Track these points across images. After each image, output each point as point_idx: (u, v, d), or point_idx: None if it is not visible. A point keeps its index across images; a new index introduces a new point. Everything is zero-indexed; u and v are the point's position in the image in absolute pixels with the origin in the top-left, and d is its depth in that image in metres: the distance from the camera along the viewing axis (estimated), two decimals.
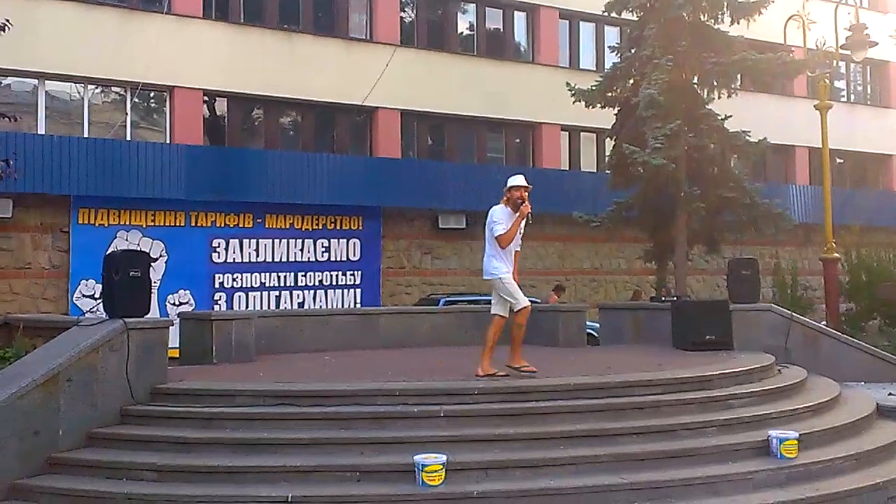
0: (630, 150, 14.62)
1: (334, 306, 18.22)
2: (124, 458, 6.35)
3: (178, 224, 17.03)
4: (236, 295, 17.55)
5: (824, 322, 13.42)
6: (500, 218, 7.66)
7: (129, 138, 17.18)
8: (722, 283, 14.55)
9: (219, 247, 17.46)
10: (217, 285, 17.38)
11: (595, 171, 21.60)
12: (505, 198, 7.74)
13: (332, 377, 7.93)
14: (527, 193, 7.68)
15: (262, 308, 17.31)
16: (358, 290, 18.81)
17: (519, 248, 7.86)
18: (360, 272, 18.89)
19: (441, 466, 5.83)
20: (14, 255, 15.73)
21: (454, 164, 20.27)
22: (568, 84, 16.51)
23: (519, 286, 7.74)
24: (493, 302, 7.85)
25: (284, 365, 9.16)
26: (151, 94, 17.87)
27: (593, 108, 16.50)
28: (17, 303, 15.42)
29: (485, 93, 20.28)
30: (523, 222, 7.71)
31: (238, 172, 17.20)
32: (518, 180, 7.76)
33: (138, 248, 15.42)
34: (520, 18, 21.97)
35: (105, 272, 7.48)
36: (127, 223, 16.56)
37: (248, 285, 17.68)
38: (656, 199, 15.51)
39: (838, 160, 25.22)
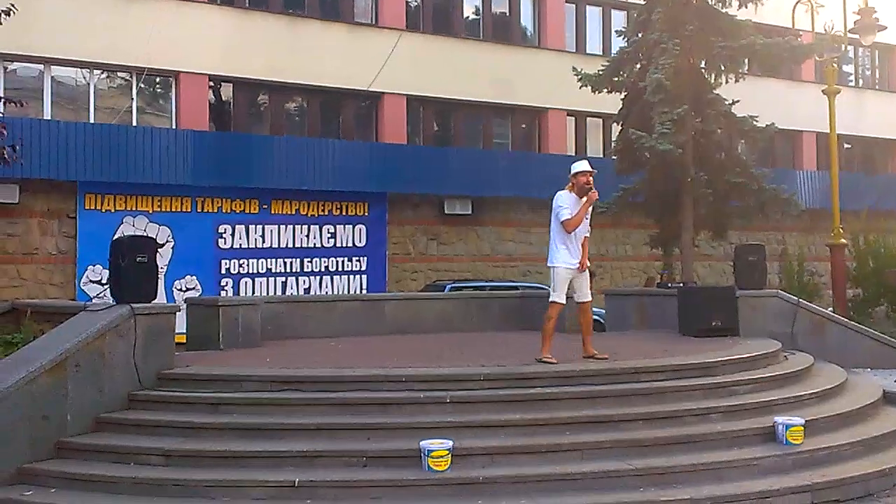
0: (637, 135, 14.55)
1: (340, 292, 18.25)
2: (132, 443, 6.39)
3: (184, 210, 17.05)
4: (242, 281, 17.59)
5: (831, 308, 13.39)
6: (566, 203, 7.68)
7: (134, 124, 17.16)
8: (728, 269, 14.50)
9: (225, 232, 17.48)
10: (223, 271, 17.41)
11: (601, 156, 21.50)
12: (570, 184, 7.75)
13: (339, 363, 7.95)
14: (592, 178, 7.67)
15: (268, 294, 17.33)
16: (364, 276, 18.83)
17: (588, 234, 7.90)
18: (365, 258, 18.90)
19: (447, 452, 5.85)
20: (21, 240, 15.77)
21: (460, 150, 20.21)
22: (574, 69, 16.42)
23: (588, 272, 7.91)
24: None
25: (291, 351, 9.18)
26: (157, 80, 17.84)
27: (600, 92, 16.42)
28: (24, 288, 15.48)
29: (491, 78, 20.20)
30: (590, 207, 7.77)
31: (244, 158, 17.18)
32: (583, 166, 7.77)
33: (145, 234, 15.45)
34: (526, 3, 21.84)
35: (112, 258, 7.50)
36: (133, 209, 16.58)
37: (255, 271, 17.70)
38: (663, 185, 15.46)
39: (846, 145, 25.10)
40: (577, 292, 7.86)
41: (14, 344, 8.26)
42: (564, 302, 7.79)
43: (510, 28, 21.73)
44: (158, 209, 16.81)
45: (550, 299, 7.77)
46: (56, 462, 6.33)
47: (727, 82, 15.58)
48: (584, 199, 7.67)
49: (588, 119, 21.98)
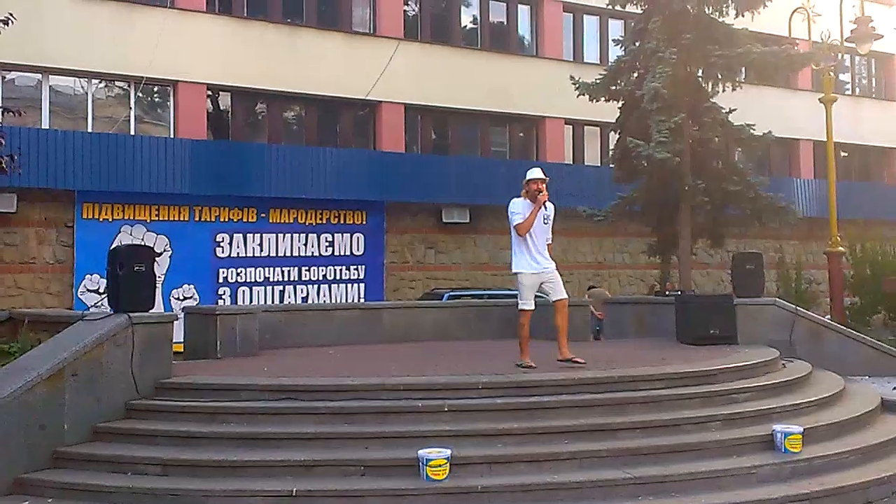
0: (634, 143, 14.58)
1: (338, 301, 18.24)
2: (129, 453, 6.37)
3: (182, 219, 17.05)
4: (240, 289, 17.58)
5: (829, 316, 13.40)
6: (517, 209, 8.03)
7: (132, 133, 17.18)
8: (726, 277, 14.56)
9: (223, 241, 17.48)
10: (221, 280, 17.40)
11: (599, 164, 21.56)
12: (524, 190, 8.05)
13: (337, 372, 7.94)
14: (544, 185, 7.96)
15: (266, 302, 17.33)
16: (362, 285, 18.82)
17: (550, 241, 8.12)
18: (363, 267, 18.90)
19: (445, 461, 5.83)
20: (19, 249, 15.77)
21: (458, 159, 20.24)
22: (572, 77, 16.45)
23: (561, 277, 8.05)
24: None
25: (288, 359, 9.17)
26: (155, 89, 17.86)
27: (597, 101, 16.44)
28: (21, 297, 15.46)
29: (488, 87, 20.25)
30: (551, 215, 8.04)
31: (242, 167, 17.20)
32: (534, 173, 8.07)
33: (142, 243, 15.44)
34: (523, 12, 21.92)
35: (109, 267, 7.49)
36: (131, 218, 16.59)
37: (252, 280, 17.70)
38: (660, 193, 15.48)
39: (843, 153, 25.15)
40: (550, 293, 7.98)
41: (11, 353, 8.24)
42: (532, 308, 7.98)
43: (508, 37, 21.79)
44: (156, 218, 16.82)
45: (518, 307, 8.01)
46: (53, 472, 6.30)
47: (724, 91, 15.61)
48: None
49: (586, 127, 22.03)
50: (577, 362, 7.76)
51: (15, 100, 15.16)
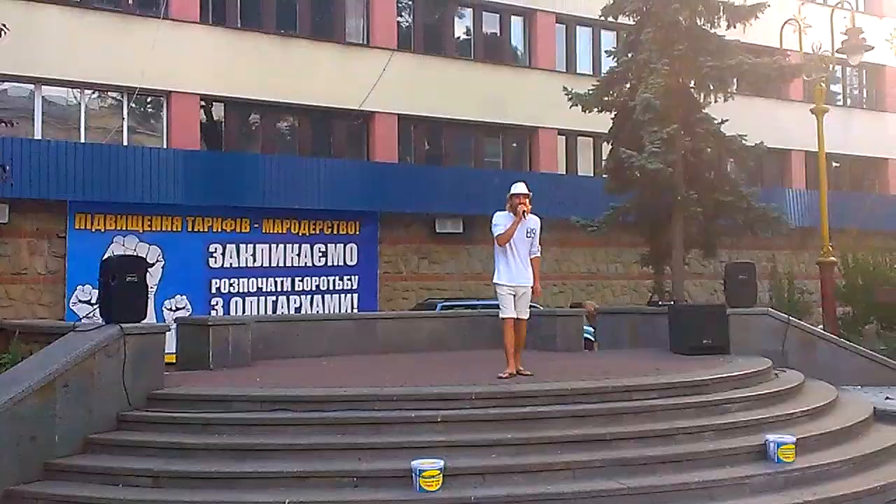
0: (627, 154, 14.62)
1: (331, 311, 18.20)
2: (121, 464, 6.35)
3: (174, 229, 17.01)
4: (233, 300, 17.52)
5: (821, 326, 13.43)
6: (498, 221, 8.25)
7: (125, 143, 17.15)
8: (719, 287, 14.55)
9: (216, 252, 17.43)
10: (214, 290, 17.35)
11: (592, 175, 21.58)
12: (508, 205, 8.25)
13: (330, 382, 7.92)
14: (526, 199, 8.15)
15: (259, 313, 17.28)
16: (355, 295, 18.79)
17: (538, 255, 8.32)
18: (357, 277, 18.87)
19: (438, 472, 5.82)
20: (10, 260, 15.69)
21: (451, 169, 20.26)
22: (565, 88, 16.50)
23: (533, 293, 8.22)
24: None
25: (281, 370, 9.14)
26: (148, 99, 17.85)
27: (590, 112, 16.48)
28: (13, 308, 15.38)
29: (482, 97, 20.29)
30: (536, 228, 8.25)
31: (235, 177, 17.17)
32: (517, 188, 8.28)
33: (135, 254, 15.39)
34: (516, 23, 22.00)
35: (102, 277, 7.47)
36: (123, 228, 16.53)
37: (245, 290, 17.65)
38: (653, 204, 15.51)
39: (834, 164, 25.25)
40: (517, 309, 8.18)
41: (2, 364, 8.21)
42: (514, 316, 8.15)
43: (501, 48, 21.87)
44: (149, 229, 16.77)
45: (500, 316, 8.21)
46: (44, 484, 6.27)
47: (716, 101, 15.67)
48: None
49: (579, 138, 22.08)
50: (525, 375, 8.03)
51: (7, 110, 15.13)
